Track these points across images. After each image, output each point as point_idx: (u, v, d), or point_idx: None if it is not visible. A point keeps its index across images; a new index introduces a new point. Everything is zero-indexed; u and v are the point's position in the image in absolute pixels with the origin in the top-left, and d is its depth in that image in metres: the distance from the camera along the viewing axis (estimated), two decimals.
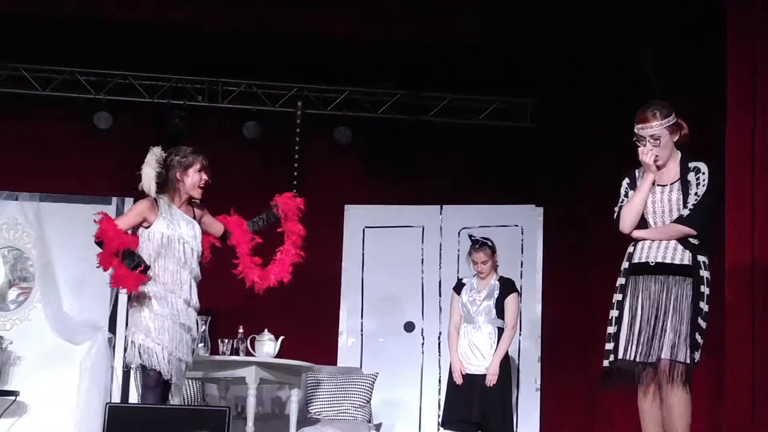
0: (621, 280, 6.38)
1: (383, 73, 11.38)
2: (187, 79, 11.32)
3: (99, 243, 6.86)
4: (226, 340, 8.58)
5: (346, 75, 11.40)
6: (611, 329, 6.36)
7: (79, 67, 11.11)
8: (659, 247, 6.32)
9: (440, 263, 11.14)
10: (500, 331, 8.75)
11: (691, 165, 6.34)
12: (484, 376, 8.65)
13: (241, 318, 8.98)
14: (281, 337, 8.51)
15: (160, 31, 10.43)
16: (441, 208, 11.25)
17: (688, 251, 6.26)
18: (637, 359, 6.24)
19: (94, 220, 6.87)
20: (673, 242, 6.30)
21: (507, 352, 8.78)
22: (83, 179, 11.10)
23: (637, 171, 6.49)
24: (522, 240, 11.05)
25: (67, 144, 11.16)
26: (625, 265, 6.40)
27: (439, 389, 10.50)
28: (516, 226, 11.05)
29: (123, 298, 10.78)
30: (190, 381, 9.53)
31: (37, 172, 11.01)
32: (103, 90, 11.17)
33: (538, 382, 10.78)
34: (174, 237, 7.05)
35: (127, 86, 11.28)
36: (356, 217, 11.37)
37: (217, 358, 8.51)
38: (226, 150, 11.48)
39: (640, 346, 6.24)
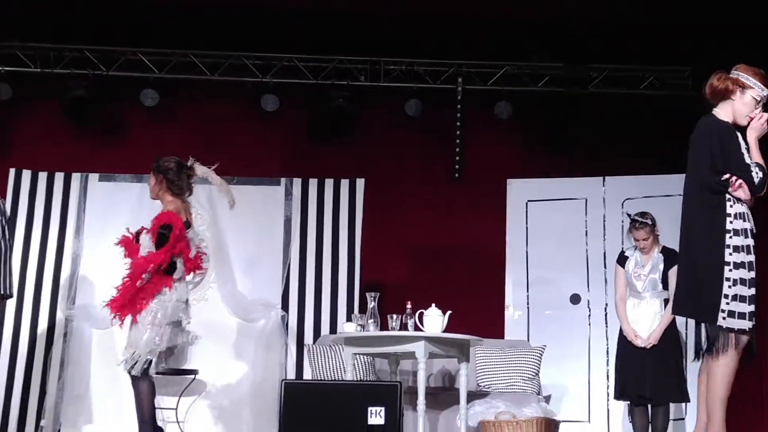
0: (749, 241, 6.36)
1: (540, 48, 11.40)
2: (350, 59, 11.49)
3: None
4: (395, 316, 8.64)
5: (504, 50, 11.45)
6: (751, 291, 6.32)
7: (245, 51, 11.37)
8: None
9: (604, 235, 11.09)
10: (666, 302, 8.79)
11: None
12: (653, 351, 8.73)
13: (408, 294, 9.05)
14: (448, 312, 8.56)
15: (322, 14, 10.63)
16: (603, 180, 11.22)
17: None
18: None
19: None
20: None
21: (675, 324, 8.81)
22: (253, 161, 11.36)
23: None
24: None
25: (236, 127, 11.42)
26: (747, 225, 6.38)
27: (607, 360, 10.49)
28: (680, 195, 10.91)
29: (294, 277, 11.05)
30: (360, 357, 9.69)
31: (207, 156, 11.17)
32: (269, 73, 11.41)
33: None
34: None
35: (292, 69, 11.49)
36: (519, 190, 11.39)
37: (387, 333, 8.57)
38: (389, 128, 11.67)
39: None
